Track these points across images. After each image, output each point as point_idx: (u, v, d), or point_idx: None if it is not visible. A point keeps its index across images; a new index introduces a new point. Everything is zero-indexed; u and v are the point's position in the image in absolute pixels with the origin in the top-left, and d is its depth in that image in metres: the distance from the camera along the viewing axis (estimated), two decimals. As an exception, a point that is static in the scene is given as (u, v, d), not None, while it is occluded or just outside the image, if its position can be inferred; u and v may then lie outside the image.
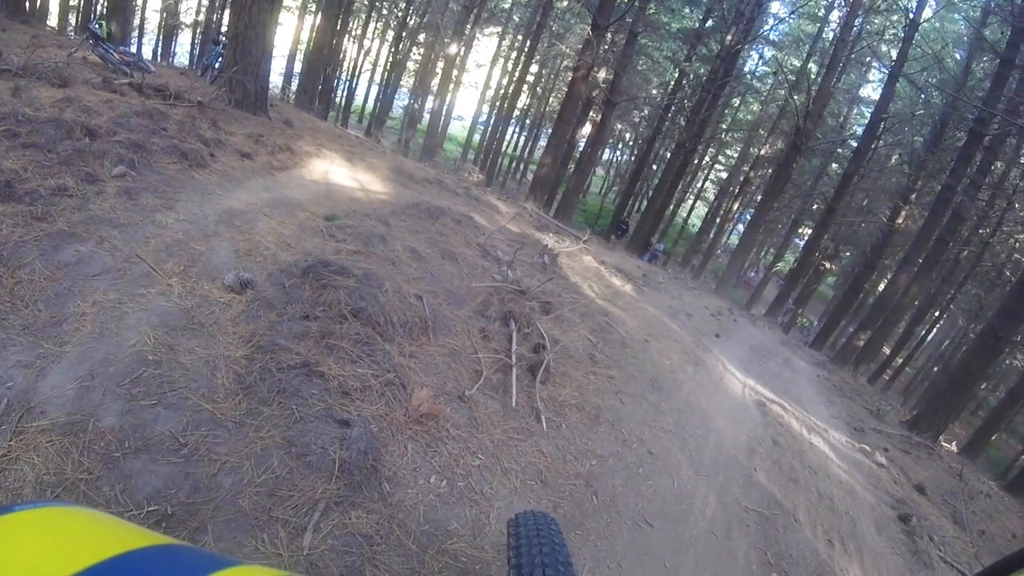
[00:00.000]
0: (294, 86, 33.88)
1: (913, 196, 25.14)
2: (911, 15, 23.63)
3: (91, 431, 3.06)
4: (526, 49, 34.91)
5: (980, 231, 25.31)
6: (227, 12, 28.14)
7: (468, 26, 30.24)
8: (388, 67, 43.91)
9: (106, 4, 22.01)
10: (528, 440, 4.86)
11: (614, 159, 64.90)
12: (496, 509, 3.93)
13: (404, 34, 39.84)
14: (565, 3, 32.76)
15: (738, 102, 41.16)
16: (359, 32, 43.91)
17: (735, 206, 44.96)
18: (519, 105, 44.48)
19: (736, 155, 46.99)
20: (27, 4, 19.03)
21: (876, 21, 27.05)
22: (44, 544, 0.78)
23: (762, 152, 36.60)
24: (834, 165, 34.29)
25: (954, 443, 16.90)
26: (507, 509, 3.93)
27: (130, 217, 5.10)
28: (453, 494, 3.87)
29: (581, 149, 34.00)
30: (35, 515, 0.84)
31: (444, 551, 3.42)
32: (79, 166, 5.51)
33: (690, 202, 54.56)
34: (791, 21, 33.46)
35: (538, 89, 49.18)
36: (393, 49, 41.99)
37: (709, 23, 30.20)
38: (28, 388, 3.19)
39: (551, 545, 2.62)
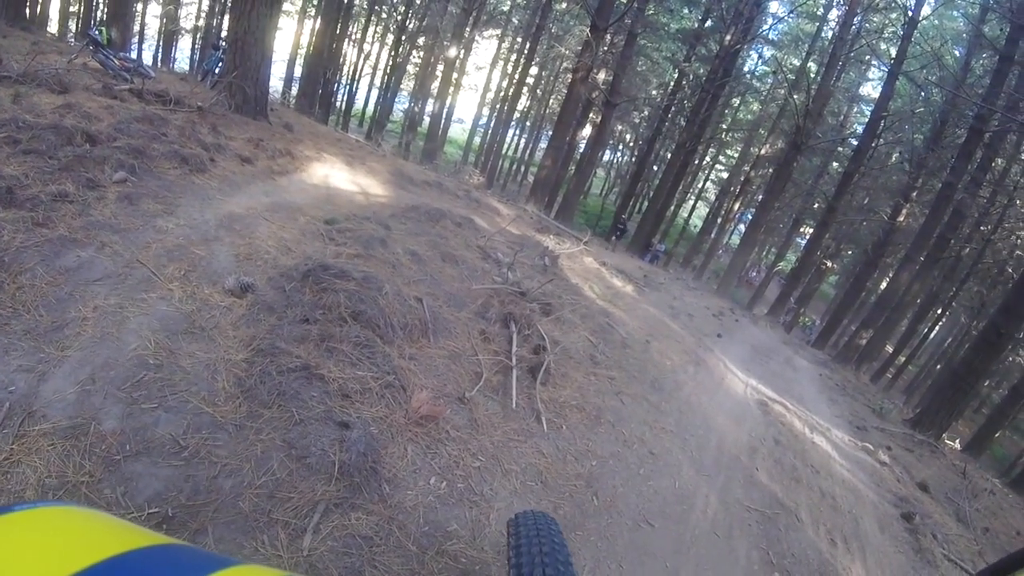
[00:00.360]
0: (294, 91, 33.93)
1: (914, 194, 25.15)
2: (910, 13, 23.63)
3: (92, 434, 3.07)
4: (525, 51, 34.95)
5: (981, 228, 25.26)
6: (227, 17, 28.18)
7: (467, 29, 30.29)
8: (388, 71, 43.90)
9: (106, 10, 22.06)
10: (528, 441, 4.86)
11: (614, 160, 64.95)
12: (496, 510, 3.94)
13: (404, 37, 39.85)
14: (564, 5, 32.77)
15: (738, 102, 41.22)
16: (359, 36, 43.89)
17: (736, 206, 44.93)
18: (519, 107, 44.56)
19: (736, 155, 46.98)
20: (27, 10, 19.07)
21: (875, 19, 27.10)
22: (44, 544, 0.79)
23: (762, 152, 36.59)
24: (834, 164, 34.31)
25: (957, 441, 16.90)
26: (507, 510, 3.94)
27: (131, 222, 5.12)
28: (453, 495, 3.88)
29: (581, 151, 33.98)
30: (35, 515, 0.85)
31: (444, 552, 3.42)
32: (80, 172, 5.52)
33: (691, 202, 54.60)
34: (790, 20, 33.62)
35: (538, 91, 49.29)
36: (393, 52, 42.02)
37: (708, 23, 30.23)
38: (30, 392, 3.20)
39: (551, 545, 2.63)
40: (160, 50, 41.29)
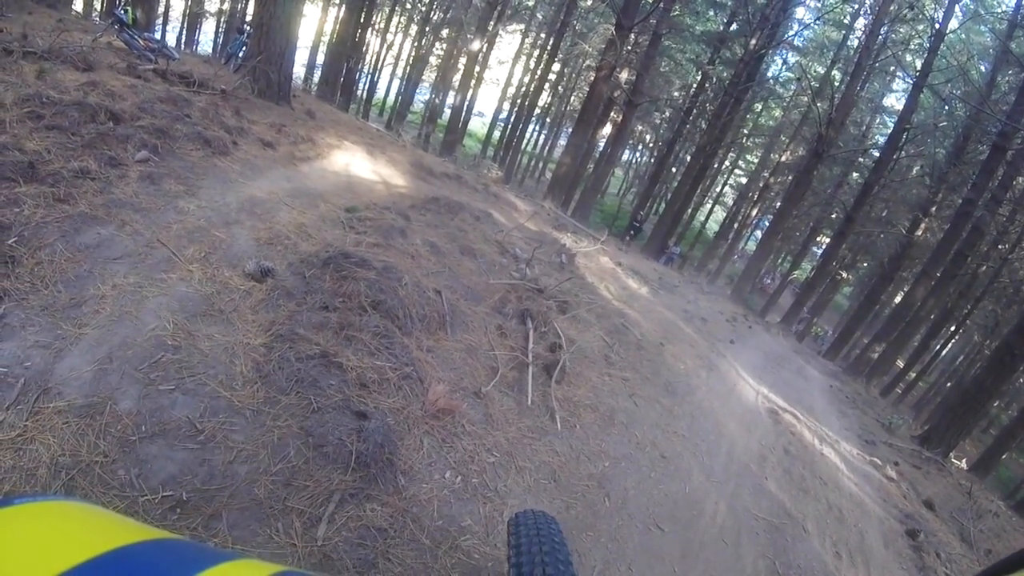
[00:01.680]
0: (316, 77, 33.90)
1: (933, 208, 24.93)
2: (937, 25, 23.45)
3: (108, 414, 3.07)
4: (549, 47, 34.91)
5: (999, 246, 25.07)
6: (252, 1, 28.21)
7: (491, 23, 30.24)
8: (410, 61, 43.95)
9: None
10: (542, 439, 4.85)
11: (633, 160, 64.79)
12: (509, 507, 3.92)
13: (427, 29, 39.94)
14: (589, 2, 32.68)
15: (760, 107, 40.97)
16: (382, 25, 43.84)
17: (753, 212, 44.82)
18: (540, 103, 44.53)
19: (756, 160, 46.73)
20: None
21: (902, 30, 26.87)
22: (41, 539, 0.79)
23: (783, 158, 36.49)
24: (855, 174, 34.00)
25: (964, 460, 16.82)
26: (520, 507, 3.92)
27: (152, 202, 5.11)
28: (467, 490, 3.87)
29: (601, 149, 33.94)
30: (33, 509, 0.85)
31: (457, 547, 3.41)
32: (102, 150, 5.52)
33: (708, 206, 54.34)
34: (816, 27, 33.38)
35: (559, 88, 49.12)
36: (416, 43, 42.15)
37: (733, 27, 30.04)
38: (46, 369, 3.19)
39: (551, 544, 2.63)
40: (184, 32, 41.36)
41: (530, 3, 41.69)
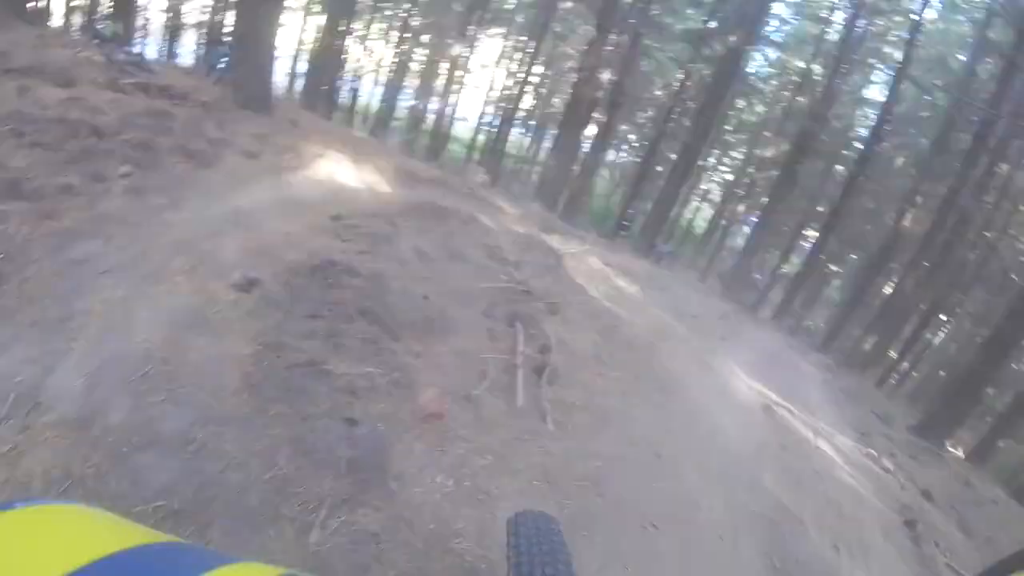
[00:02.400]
0: (299, 86, 33.87)
1: (919, 198, 25.03)
2: (915, 17, 23.56)
3: (99, 426, 3.08)
4: (530, 50, 34.91)
5: (986, 234, 25.18)
6: (232, 13, 28.17)
7: (471, 27, 30.23)
8: (392, 68, 43.91)
9: (112, 4, 22.00)
10: (535, 440, 4.84)
11: (619, 160, 64.85)
12: (503, 509, 3.91)
13: (408, 35, 39.82)
14: (569, 4, 32.71)
15: (743, 104, 41.05)
16: (363, 32, 43.84)
17: (741, 208, 44.88)
18: (523, 106, 44.50)
19: (741, 157, 46.82)
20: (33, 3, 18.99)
21: (880, 23, 26.99)
22: (42, 541, 0.79)
23: (767, 154, 36.54)
24: (839, 167, 34.14)
25: (961, 449, 16.87)
26: (513, 509, 3.91)
27: (137, 216, 5.11)
28: (460, 493, 3.86)
29: (586, 150, 33.95)
30: (34, 512, 0.86)
31: (450, 550, 3.41)
32: (86, 165, 5.52)
33: (695, 204, 54.35)
34: (795, 22, 33.47)
35: (542, 90, 49.12)
36: (397, 50, 42.01)
37: (713, 24, 30.14)
38: (36, 383, 3.20)
39: (551, 544, 2.61)
40: (165, 45, 41.25)
41: (510, 6, 41.71)
